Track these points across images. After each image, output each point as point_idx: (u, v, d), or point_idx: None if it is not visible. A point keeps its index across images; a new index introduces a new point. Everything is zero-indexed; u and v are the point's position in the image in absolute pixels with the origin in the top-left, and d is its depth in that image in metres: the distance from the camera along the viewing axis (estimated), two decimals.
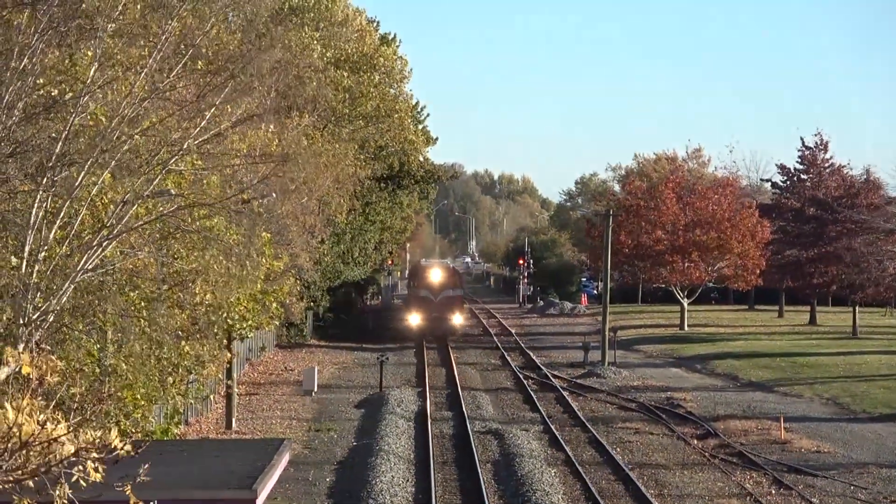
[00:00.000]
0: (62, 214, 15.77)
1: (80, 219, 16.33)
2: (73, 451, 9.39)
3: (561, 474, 32.81)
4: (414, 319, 73.55)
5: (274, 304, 35.48)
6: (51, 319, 15.59)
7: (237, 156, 21.19)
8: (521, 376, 54.86)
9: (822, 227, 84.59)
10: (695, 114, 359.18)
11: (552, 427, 40.35)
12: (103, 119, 16.46)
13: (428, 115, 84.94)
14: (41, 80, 16.24)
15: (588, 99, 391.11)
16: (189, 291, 22.62)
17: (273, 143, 30.26)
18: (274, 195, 26.71)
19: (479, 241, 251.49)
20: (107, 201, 17.32)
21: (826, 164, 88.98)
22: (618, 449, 36.90)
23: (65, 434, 9.41)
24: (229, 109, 18.69)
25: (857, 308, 77.69)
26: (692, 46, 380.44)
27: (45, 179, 15.41)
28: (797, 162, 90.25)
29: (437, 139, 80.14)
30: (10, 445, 9.28)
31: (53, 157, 15.47)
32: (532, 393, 49.17)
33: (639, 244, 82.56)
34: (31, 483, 9.56)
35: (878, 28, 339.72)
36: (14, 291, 15.15)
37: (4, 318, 14.86)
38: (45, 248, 15.44)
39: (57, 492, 9.51)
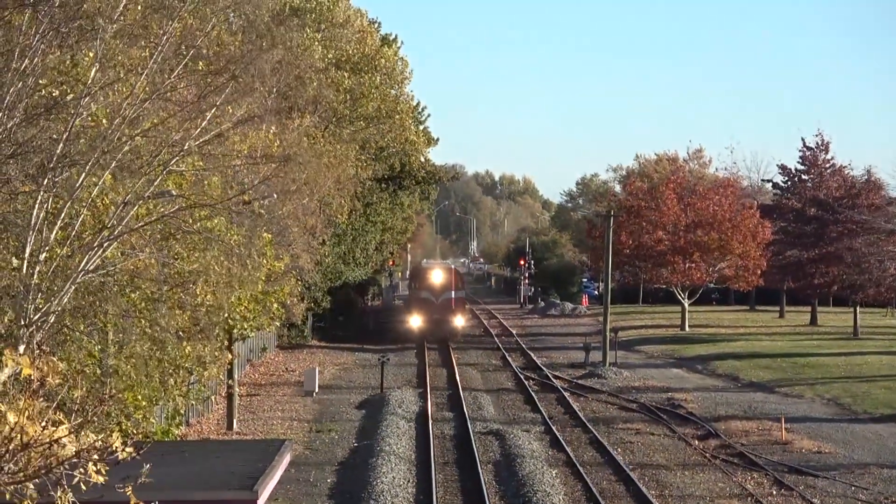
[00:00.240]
0: (63, 215, 15.77)
1: (80, 220, 16.32)
2: (74, 452, 9.39)
3: (562, 475, 32.81)
4: (415, 321, 73.07)
5: (275, 305, 35.48)
6: (52, 320, 15.59)
7: (238, 156, 21.19)
8: (522, 377, 54.86)
9: (823, 228, 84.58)
10: (696, 114, 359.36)
11: (553, 428, 40.35)
12: (104, 120, 16.46)
13: (429, 115, 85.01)
14: (42, 81, 16.23)
15: (589, 99, 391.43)
16: (190, 292, 22.61)
17: (274, 144, 30.26)
18: (275, 196, 26.71)
19: (481, 241, 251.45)
20: (108, 202, 17.32)
21: (827, 165, 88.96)
22: (619, 449, 36.90)
23: (66, 436, 9.41)
24: (230, 110, 18.69)
25: (858, 308, 77.69)
26: (693, 47, 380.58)
27: (46, 180, 15.41)
28: (798, 162, 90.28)
29: (437, 140, 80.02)
30: (11, 447, 9.27)
31: (54, 158, 15.47)
32: (533, 393, 49.18)
33: (640, 245, 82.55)
34: (32, 485, 9.55)
35: (879, 28, 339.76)
36: (15, 292, 15.15)
37: (5, 319, 14.85)
38: (46, 249, 15.44)
39: (58, 493, 9.50)
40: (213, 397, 41.18)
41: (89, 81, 15.99)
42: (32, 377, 9.58)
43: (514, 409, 45.74)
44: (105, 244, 16.03)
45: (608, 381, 53.76)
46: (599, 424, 41.67)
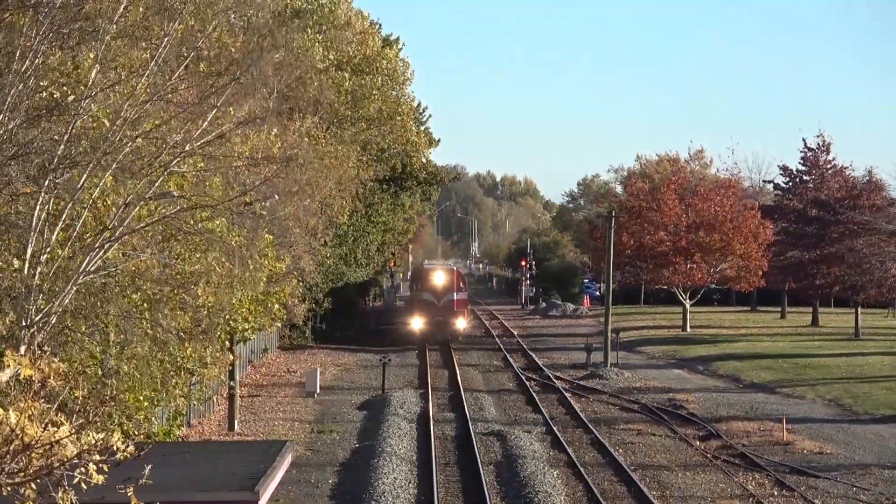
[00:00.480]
0: (64, 216, 15.78)
1: (82, 221, 16.34)
2: (75, 453, 9.40)
3: (563, 476, 32.82)
4: (416, 323, 72.49)
5: (276, 306, 35.50)
6: (53, 321, 15.60)
7: (239, 158, 21.19)
8: (523, 377, 54.87)
9: (825, 229, 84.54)
10: (697, 115, 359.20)
11: (554, 428, 40.35)
12: (105, 121, 16.47)
13: (430, 116, 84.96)
14: (43, 83, 16.25)
15: (590, 100, 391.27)
16: (191, 293, 22.62)
17: (275, 146, 30.26)
18: (276, 197, 26.71)
19: (482, 242, 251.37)
20: (109, 203, 17.33)
21: (828, 166, 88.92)
22: (620, 450, 36.90)
23: (67, 436, 9.42)
24: (231, 111, 18.70)
25: (859, 309, 77.63)
26: (694, 47, 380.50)
27: (47, 181, 15.42)
28: (799, 163, 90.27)
29: (439, 141, 79.98)
30: (12, 448, 9.29)
31: (55, 160, 15.48)
32: (534, 394, 49.18)
33: (641, 245, 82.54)
34: (33, 486, 9.56)
35: (880, 28, 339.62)
36: (16, 293, 15.16)
37: (7, 320, 14.86)
38: (48, 250, 15.45)
39: (59, 494, 9.52)
40: (214, 398, 41.20)
41: (90, 83, 16.00)
42: (34, 378, 9.59)
43: (516, 410, 45.74)
44: (106, 245, 16.04)
45: (609, 382, 53.76)
46: (601, 425, 41.68)
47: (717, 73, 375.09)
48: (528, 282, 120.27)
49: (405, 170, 74.78)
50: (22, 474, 9.36)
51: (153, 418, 25.75)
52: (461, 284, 75.98)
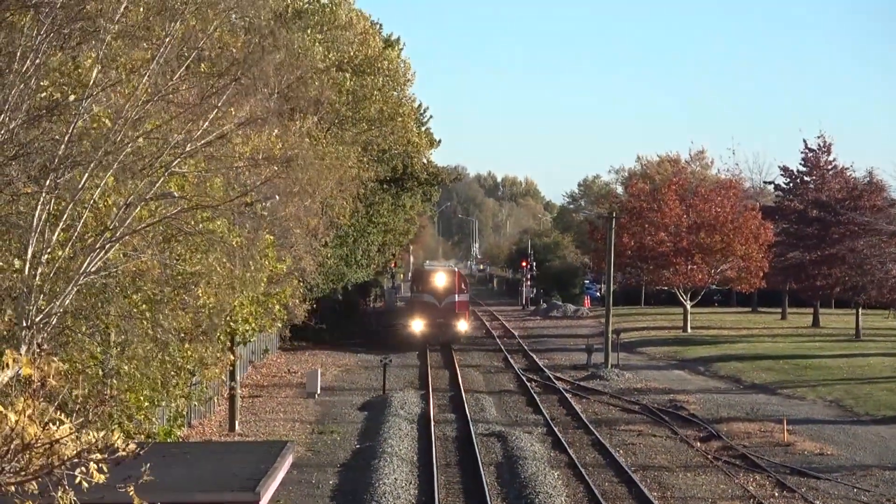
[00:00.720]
0: (65, 217, 15.78)
1: (83, 221, 16.33)
2: (75, 452, 9.39)
3: (564, 476, 32.82)
4: (417, 326, 71.51)
5: (277, 307, 35.51)
6: (54, 322, 15.60)
7: (240, 158, 21.20)
8: (524, 378, 54.87)
9: (825, 230, 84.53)
10: (698, 116, 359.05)
11: (555, 429, 40.35)
12: (106, 121, 16.47)
13: (431, 117, 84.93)
14: (44, 83, 16.25)
15: (591, 101, 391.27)
16: (192, 294, 22.64)
17: (276, 146, 30.28)
18: (277, 198, 26.74)
19: (483, 243, 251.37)
20: (110, 204, 17.33)
21: (829, 166, 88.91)
22: (621, 451, 36.89)
23: (67, 435, 9.42)
24: (232, 112, 18.70)
25: (860, 310, 77.64)
26: (695, 48, 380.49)
27: (48, 182, 15.42)
28: (800, 164, 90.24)
29: (440, 141, 79.92)
30: (12, 447, 9.28)
31: (56, 160, 15.48)
32: (535, 395, 49.19)
33: (642, 246, 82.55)
34: (33, 485, 9.56)
35: (882, 29, 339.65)
36: (17, 294, 15.16)
37: (6, 317, 14.86)
38: (48, 250, 15.44)
39: (59, 494, 9.51)
40: (215, 399, 41.19)
41: (91, 83, 16.00)
42: (33, 377, 9.59)
43: (516, 411, 45.74)
44: (107, 246, 16.04)
45: (610, 383, 53.76)
46: (601, 426, 41.67)
47: (718, 73, 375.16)
48: (528, 283, 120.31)
49: (406, 170, 74.72)
50: (22, 474, 9.35)
51: (154, 419, 25.75)
52: (463, 286, 75.27)
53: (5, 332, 14.86)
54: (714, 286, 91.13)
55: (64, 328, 18.58)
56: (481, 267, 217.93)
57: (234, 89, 17.85)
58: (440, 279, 73.74)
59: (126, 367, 21.88)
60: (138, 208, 16.69)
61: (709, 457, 36.02)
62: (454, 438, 39.19)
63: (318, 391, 48.32)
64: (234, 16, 22.73)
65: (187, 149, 17.14)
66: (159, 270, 20.00)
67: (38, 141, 15.89)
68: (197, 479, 15.71)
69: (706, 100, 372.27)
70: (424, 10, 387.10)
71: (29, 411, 9.32)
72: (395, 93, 68.01)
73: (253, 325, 34.49)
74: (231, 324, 31.36)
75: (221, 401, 42.62)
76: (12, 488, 9.45)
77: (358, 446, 37.45)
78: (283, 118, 33.63)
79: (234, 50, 20.65)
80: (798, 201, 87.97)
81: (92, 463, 9.42)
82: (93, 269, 15.83)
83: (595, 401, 48.44)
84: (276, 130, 31.03)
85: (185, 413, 33.32)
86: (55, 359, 9.93)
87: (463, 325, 72.84)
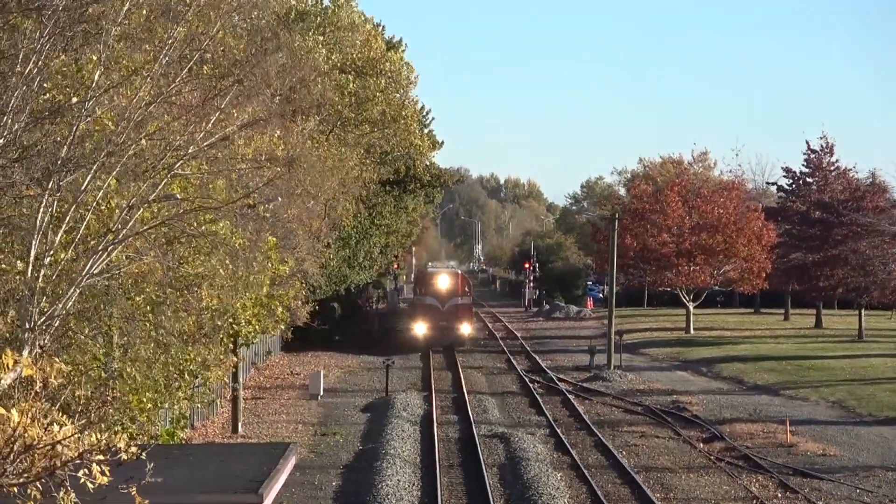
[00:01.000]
0: (68, 219, 15.78)
1: (85, 223, 16.34)
2: (77, 454, 9.40)
3: (567, 478, 32.83)
4: (420, 329, 70.87)
5: (280, 309, 35.52)
6: (56, 324, 15.60)
7: (243, 160, 21.20)
8: (526, 380, 54.89)
9: (828, 231, 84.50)
10: (700, 117, 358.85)
11: (558, 431, 40.37)
12: (109, 124, 16.48)
13: (433, 118, 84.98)
14: (47, 85, 16.26)
15: (593, 102, 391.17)
16: (195, 296, 22.64)
17: (279, 148, 30.29)
18: (279, 199, 26.73)
19: (485, 244, 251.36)
20: (112, 206, 17.33)
21: (832, 168, 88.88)
22: (623, 452, 36.90)
23: (69, 437, 9.43)
24: (235, 114, 18.70)
25: (862, 311, 77.64)
26: (697, 49, 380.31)
27: (50, 184, 15.43)
28: (803, 165, 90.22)
29: (442, 143, 79.98)
30: (14, 448, 9.30)
31: (59, 162, 15.49)
32: (538, 396, 49.20)
33: (644, 247, 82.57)
34: (36, 486, 9.57)
35: (884, 30, 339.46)
36: (20, 296, 15.17)
37: (9, 321, 14.87)
38: (51, 252, 15.45)
39: (61, 495, 9.52)
40: (217, 401, 41.22)
41: (94, 85, 16.01)
42: (35, 378, 9.60)
43: (519, 412, 45.75)
44: (110, 248, 16.04)
45: (613, 384, 53.77)
46: (604, 427, 41.68)
47: (721, 74, 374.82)
48: (531, 284, 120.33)
49: (409, 172, 74.69)
50: (25, 475, 9.36)
51: (156, 420, 25.76)
52: (466, 288, 74.61)
53: (8, 334, 14.86)
54: (717, 287, 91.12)
55: (66, 330, 18.59)
56: (483, 268, 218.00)
57: (236, 91, 17.86)
58: (443, 281, 73.12)
59: (129, 369, 21.88)
60: (141, 210, 16.70)
61: (712, 458, 36.03)
62: (457, 440, 39.22)
63: (321, 393, 48.34)
64: (236, 17, 22.75)
65: (190, 151, 17.14)
66: (162, 272, 19.99)
67: (41, 143, 15.90)
68: (199, 481, 15.71)
69: (709, 101, 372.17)
70: (426, 13, 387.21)
71: (31, 413, 9.33)
72: (397, 95, 68.01)
73: (256, 326, 34.50)
74: (234, 326, 31.36)
75: (224, 403, 42.66)
76: (15, 489, 9.46)
77: (361, 448, 37.47)
78: (286, 120, 33.63)
79: (237, 52, 20.66)
80: (801, 202, 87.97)
81: (94, 464, 9.43)
82: (95, 271, 15.84)
83: (598, 402, 48.45)
84: (278, 132, 31.05)
85: (187, 415, 33.35)
86: (57, 360, 9.94)
87: (466, 329, 72.04)
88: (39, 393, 9.55)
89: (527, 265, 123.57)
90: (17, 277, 15.40)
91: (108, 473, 9.53)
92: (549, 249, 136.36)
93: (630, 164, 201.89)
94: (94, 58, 16.40)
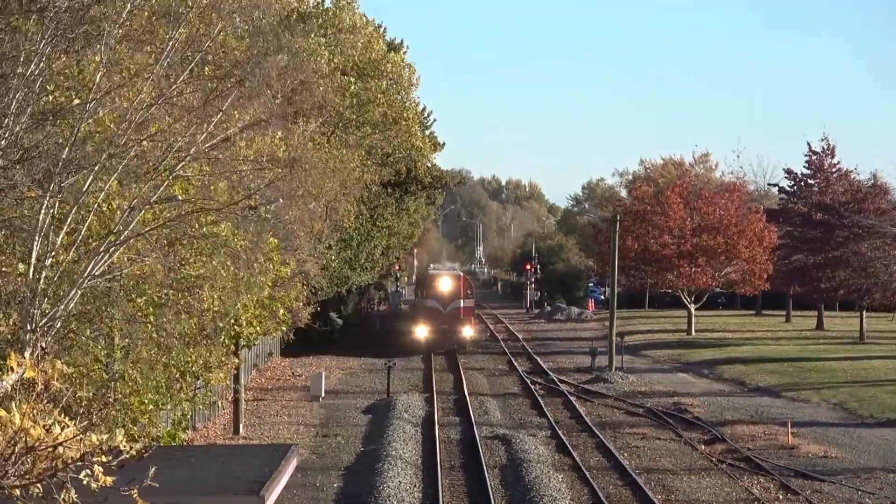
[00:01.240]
0: (69, 220, 15.79)
1: (87, 225, 16.35)
2: (79, 455, 9.40)
3: (568, 479, 32.82)
4: (421, 332, 70.29)
5: (281, 311, 35.52)
6: (58, 325, 15.61)
7: (244, 161, 21.21)
8: (528, 381, 54.89)
9: (830, 232, 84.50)
10: (702, 119, 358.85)
11: (559, 432, 40.36)
12: (110, 125, 16.50)
13: (434, 120, 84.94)
14: (48, 87, 16.27)
15: (594, 104, 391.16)
16: (196, 297, 22.63)
17: (280, 149, 30.29)
18: (281, 201, 26.71)
19: (487, 246, 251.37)
20: (114, 207, 17.34)
21: (833, 169, 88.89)
22: (625, 454, 36.89)
23: (71, 438, 9.43)
24: (236, 115, 18.71)
25: (864, 313, 77.63)
26: (699, 50, 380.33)
27: (52, 185, 15.43)
28: (804, 167, 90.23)
29: (444, 144, 79.93)
30: (16, 450, 9.30)
31: (61, 163, 15.50)
32: (539, 398, 49.20)
33: (646, 249, 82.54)
34: (38, 488, 9.57)
35: (885, 31, 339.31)
36: (21, 297, 15.18)
37: (12, 323, 14.88)
38: (53, 254, 15.46)
39: (63, 496, 9.52)
40: (219, 402, 41.22)
41: (95, 86, 16.02)
42: (37, 380, 9.60)
43: (521, 414, 45.74)
44: (111, 249, 16.05)
45: (614, 386, 53.75)
46: (606, 429, 41.67)
47: (723, 76, 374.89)
48: (532, 286, 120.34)
49: (410, 174, 74.66)
50: (26, 476, 9.36)
51: (158, 422, 25.76)
52: (468, 291, 73.92)
53: (9, 336, 14.87)
54: (718, 289, 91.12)
55: (68, 332, 18.59)
56: (485, 270, 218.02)
57: (237, 93, 17.87)
58: (445, 284, 72.52)
59: (130, 371, 21.89)
60: (142, 212, 16.70)
61: (713, 459, 36.02)
62: (458, 441, 39.21)
63: (323, 394, 48.30)
64: (237, 19, 22.76)
65: (191, 152, 17.15)
66: (163, 274, 19.99)
67: (43, 145, 15.91)
68: (201, 483, 15.71)
69: (710, 101, 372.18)
70: (428, 15, 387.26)
71: (33, 414, 9.33)
72: (398, 96, 67.98)
73: (257, 328, 34.50)
74: (235, 327, 31.37)
75: (226, 404, 42.65)
76: (17, 491, 9.46)
77: (362, 449, 37.46)
78: (287, 121, 33.63)
79: (238, 53, 20.67)
80: (802, 204, 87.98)
81: (96, 466, 9.43)
82: (97, 273, 15.85)
83: (599, 404, 48.44)
84: (279, 133, 31.05)
85: (189, 416, 33.34)
86: (59, 362, 9.94)
87: (468, 332, 71.36)
88: (41, 394, 9.54)
89: (528, 267, 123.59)
90: (19, 279, 15.41)
91: (110, 474, 9.53)
92: (550, 251, 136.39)
93: (631, 165, 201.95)
94: (96, 59, 16.41)
